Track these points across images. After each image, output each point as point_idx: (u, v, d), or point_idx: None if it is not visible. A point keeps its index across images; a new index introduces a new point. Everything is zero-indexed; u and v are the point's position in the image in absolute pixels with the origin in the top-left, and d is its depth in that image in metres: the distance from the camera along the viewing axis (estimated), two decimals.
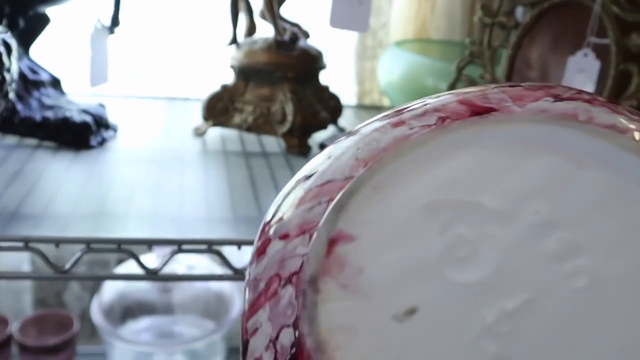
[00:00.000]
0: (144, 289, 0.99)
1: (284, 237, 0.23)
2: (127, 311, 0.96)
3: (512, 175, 0.22)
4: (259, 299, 0.22)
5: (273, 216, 0.24)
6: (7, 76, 0.56)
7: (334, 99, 0.82)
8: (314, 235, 0.21)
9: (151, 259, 0.85)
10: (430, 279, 0.20)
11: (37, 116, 0.74)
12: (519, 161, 0.22)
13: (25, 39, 0.79)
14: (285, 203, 0.24)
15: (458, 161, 0.23)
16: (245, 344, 0.22)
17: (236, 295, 1.00)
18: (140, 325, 1.00)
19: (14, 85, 0.59)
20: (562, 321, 0.19)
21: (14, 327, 0.88)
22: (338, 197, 0.22)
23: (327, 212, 0.22)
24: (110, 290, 0.97)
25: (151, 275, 0.51)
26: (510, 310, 0.19)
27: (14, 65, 0.57)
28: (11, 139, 0.74)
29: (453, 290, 0.20)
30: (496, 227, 0.21)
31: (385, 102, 1.02)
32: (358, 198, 0.22)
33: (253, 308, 0.22)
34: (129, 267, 0.93)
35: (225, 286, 1.00)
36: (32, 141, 0.74)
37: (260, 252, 0.23)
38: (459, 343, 0.19)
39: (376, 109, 1.02)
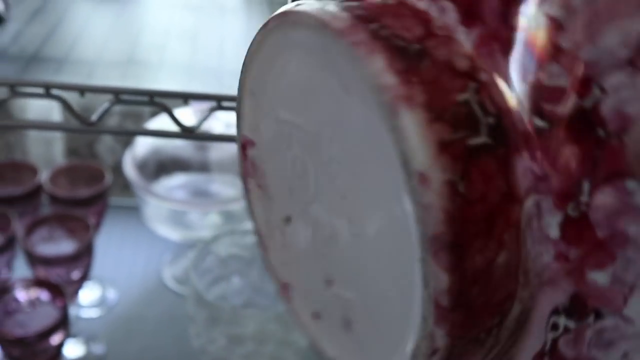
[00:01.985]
0: (179, 145, 0.94)
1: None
2: (161, 166, 0.92)
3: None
4: None
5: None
6: None
7: None
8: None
9: (186, 114, 0.79)
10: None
11: None
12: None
13: None
14: None
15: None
16: None
17: None
18: (175, 182, 0.97)
19: None
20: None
21: (44, 177, 0.85)
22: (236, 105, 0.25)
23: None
24: (143, 144, 0.93)
25: (187, 133, 0.46)
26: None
27: None
28: None
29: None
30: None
31: None
32: (244, 105, 0.24)
33: None
34: (163, 121, 0.88)
35: None
36: None
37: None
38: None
39: None
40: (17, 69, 0.44)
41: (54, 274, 0.74)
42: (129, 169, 0.87)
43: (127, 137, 1.07)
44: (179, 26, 0.58)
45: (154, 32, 0.56)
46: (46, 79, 0.43)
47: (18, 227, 0.77)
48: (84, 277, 0.77)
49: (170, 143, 0.94)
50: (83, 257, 0.75)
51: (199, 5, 0.63)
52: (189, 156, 0.92)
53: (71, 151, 1.09)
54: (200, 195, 0.95)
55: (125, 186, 1.14)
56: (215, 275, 0.80)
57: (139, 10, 0.60)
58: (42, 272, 0.74)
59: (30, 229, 0.77)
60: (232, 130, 0.85)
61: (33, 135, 0.99)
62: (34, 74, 0.44)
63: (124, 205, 1.11)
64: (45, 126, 0.44)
